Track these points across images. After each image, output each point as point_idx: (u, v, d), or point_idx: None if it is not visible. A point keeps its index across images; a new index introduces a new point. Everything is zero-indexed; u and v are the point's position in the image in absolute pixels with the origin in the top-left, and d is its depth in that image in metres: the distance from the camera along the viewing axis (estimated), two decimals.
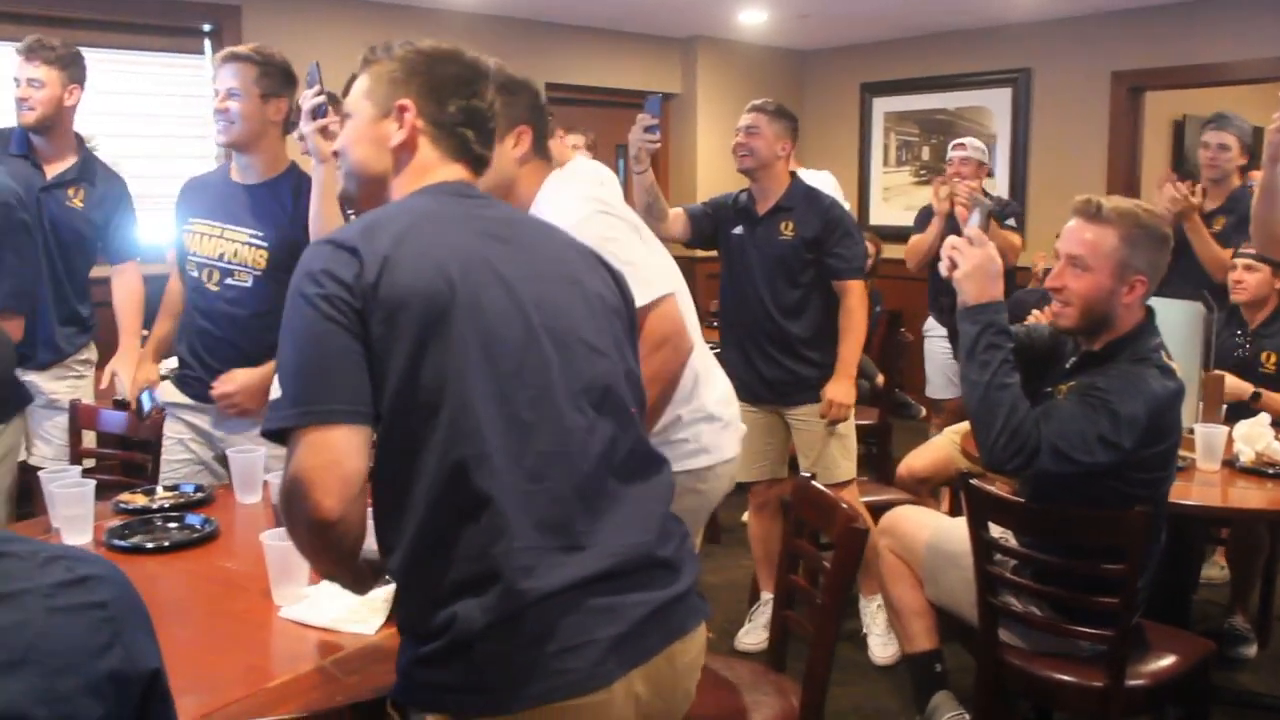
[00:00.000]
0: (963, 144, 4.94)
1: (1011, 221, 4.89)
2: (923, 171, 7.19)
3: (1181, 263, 4.12)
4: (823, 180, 4.88)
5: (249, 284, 2.70)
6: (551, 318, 1.42)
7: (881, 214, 7.32)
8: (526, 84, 2.24)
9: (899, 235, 6.91)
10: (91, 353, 3.48)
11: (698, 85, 7.22)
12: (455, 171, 1.54)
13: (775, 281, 3.54)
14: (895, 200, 7.25)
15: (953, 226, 4.44)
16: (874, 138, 7.42)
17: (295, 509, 1.32)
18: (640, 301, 1.77)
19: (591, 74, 6.65)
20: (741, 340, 3.63)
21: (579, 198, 2.18)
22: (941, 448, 3.83)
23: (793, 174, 3.63)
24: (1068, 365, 2.53)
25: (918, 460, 3.83)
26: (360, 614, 1.80)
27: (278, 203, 2.72)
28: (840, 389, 3.50)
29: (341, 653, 1.70)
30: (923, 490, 3.79)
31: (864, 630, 3.61)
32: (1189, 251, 4.11)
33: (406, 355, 1.32)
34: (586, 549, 1.36)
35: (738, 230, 3.63)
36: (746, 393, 3.55)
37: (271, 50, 2.73)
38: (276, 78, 2.70)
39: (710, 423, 2.36)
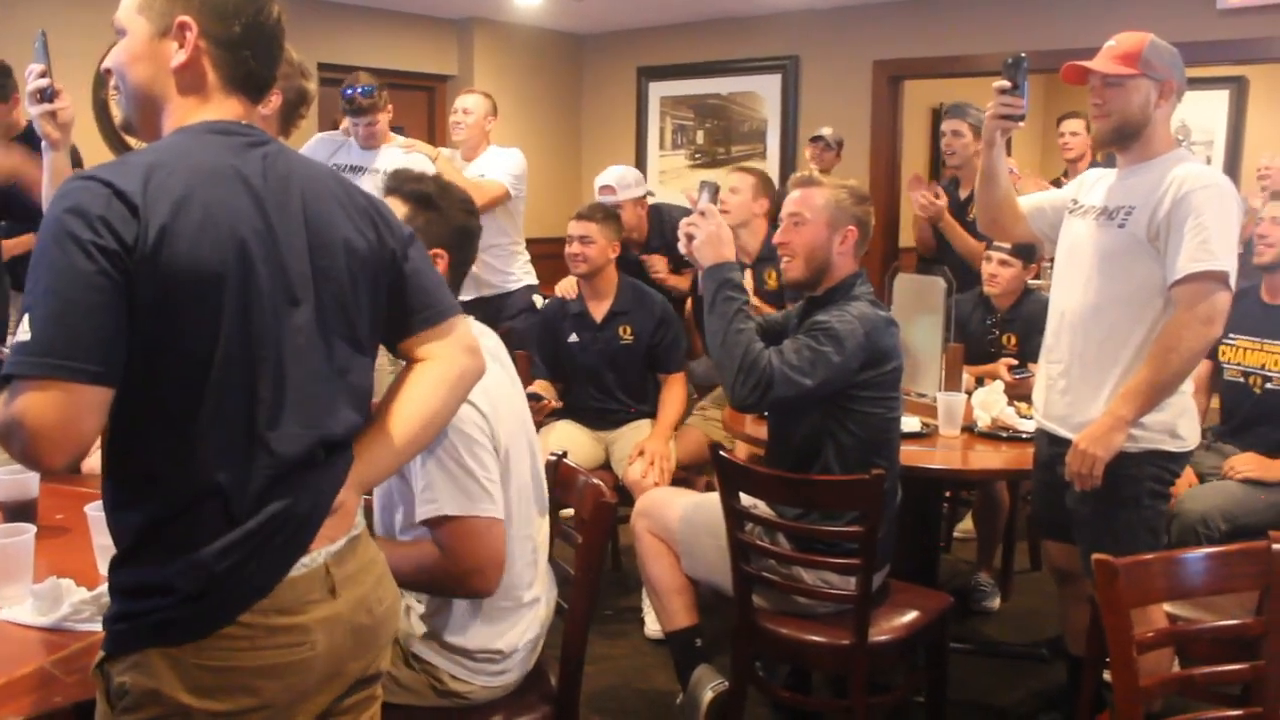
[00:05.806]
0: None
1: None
2: (698, 155, 7.33)
3: (947, 257, 4.40)
4: (511, 155, 4.85)
5: None
6: (306, 292, 1.41)
7: (659, 196, 7.40)
8: (305, 72, 2.38)
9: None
10: None
11: (474, 68, 7.12)
12: (232, 106, 1.45)
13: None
14: (671, 183, 7.34)
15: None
16: (650, 121, 7.50)
17: (13, 448, 1.27)
18: None
19: (365, 55, 6.42)
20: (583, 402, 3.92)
21: None
22: (696, 426, 3.94)
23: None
24: (797, 319, 2.76)
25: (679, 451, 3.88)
26: (88, 610, 1.72)
27: None
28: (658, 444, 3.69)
29: (65, 651, 1.63)
30: (690, 477, 3.84)
31: (642, 611, 3.65)
32: (949, 246, 4.39)
33: (172, 330, 1.29)
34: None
35: (573, 338, 3.90)
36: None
37: None
38: None
39: None
